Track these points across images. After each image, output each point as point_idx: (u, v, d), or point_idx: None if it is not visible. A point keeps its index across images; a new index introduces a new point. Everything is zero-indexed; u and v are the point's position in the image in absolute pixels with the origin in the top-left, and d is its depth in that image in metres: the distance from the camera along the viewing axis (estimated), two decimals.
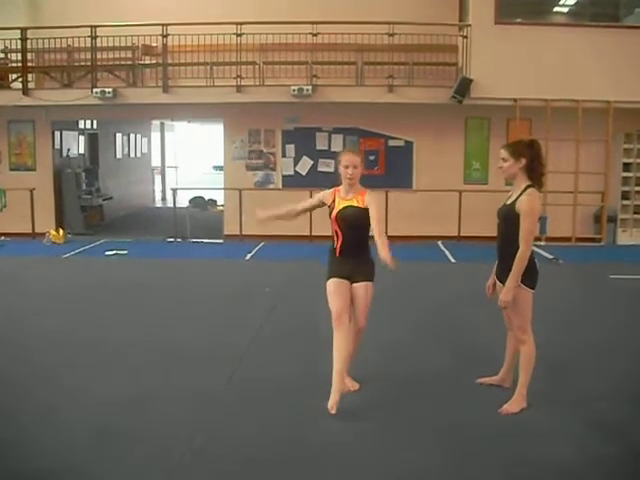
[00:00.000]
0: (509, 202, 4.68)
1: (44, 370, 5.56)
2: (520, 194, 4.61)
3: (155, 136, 22.48)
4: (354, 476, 3.87)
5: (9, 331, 6.71)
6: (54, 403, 4.85)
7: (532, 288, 4.64)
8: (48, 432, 4.37)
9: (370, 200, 4.78)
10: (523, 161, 4.62)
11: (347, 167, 4.78)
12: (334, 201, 4.86)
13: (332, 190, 4.93)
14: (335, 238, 4.88)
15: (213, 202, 14.08)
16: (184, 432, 4.35)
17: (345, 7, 12.64)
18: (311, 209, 5.23)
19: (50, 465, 3.94)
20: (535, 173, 4.65)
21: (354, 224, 4.79)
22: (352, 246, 4.84)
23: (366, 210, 4.75)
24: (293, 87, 12.02)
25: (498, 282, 4.78)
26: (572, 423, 4.53)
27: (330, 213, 4.87)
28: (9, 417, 4.62)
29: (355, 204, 4.78)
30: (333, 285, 4.82)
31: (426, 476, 3.87)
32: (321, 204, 4.99)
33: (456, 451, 4.14)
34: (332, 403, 4.60)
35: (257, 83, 12.56)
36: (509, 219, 4.61)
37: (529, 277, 4.60)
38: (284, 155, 13.51)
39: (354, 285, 4.84)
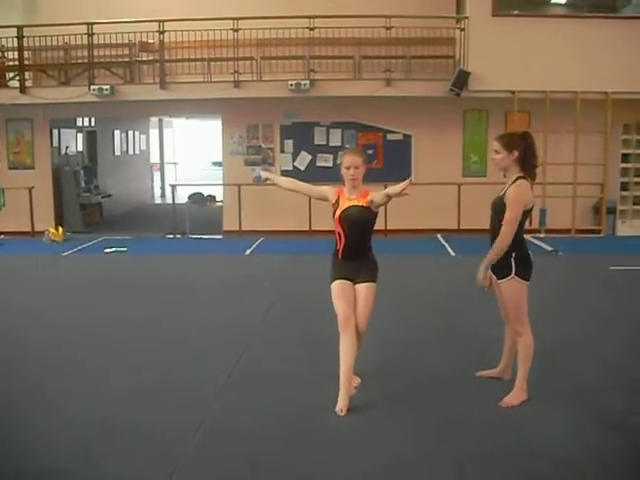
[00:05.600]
0: (501, 194, 4.68)
1: (47, 368, 5.58)
2: (510, 185, 4.61)
3: (153, 133, 22.46)
4: (354, 468, 3.87)
5: (13, 329, 6.73)
6: (57, 400, 4.86)
7: (526, 280, 4.63)
8: (50, 428, 4.39)
9: (372, 194, 4.75)
10: (516, 153, 4.60)
11: (349, 168, 4.74)
12: (338, 201, 4.82)
13: (337, 189, 4.88)
14: (337, 240, 4.84)
15: (212, 198, 14.08)
16: (185, 429, 4.35)
17: (342, 1, 12.56)
18: (309, 194, 5.20)
19: (52, 462, 3.95)
20: (528, 165, 4.64)
21: (358, 224, 4.75)
22: (355, 248, 4.80)
23: (369, 210, 4.74)
24: (290, 82, 12.02)
25: (493, 275, 4.77)
26: (573, 415, 4.53)
27: (334, 213, 4.83)
28: (14, 414, 4.64)
29: (359, 204, 4.75)
30: (337, 288, 4.78)
31: (426, 466, 3.88)
32: (322, 197, 4.96)
33: (457, 443, 4.14)
34: (341, 406, 4.60)
35: (255, 78, 12.55)
36: (500, 211, 4.60)
37: (523, 268, 4.60)
38: (282, 150, 13.50)
39: (357, 285, 4.79)
